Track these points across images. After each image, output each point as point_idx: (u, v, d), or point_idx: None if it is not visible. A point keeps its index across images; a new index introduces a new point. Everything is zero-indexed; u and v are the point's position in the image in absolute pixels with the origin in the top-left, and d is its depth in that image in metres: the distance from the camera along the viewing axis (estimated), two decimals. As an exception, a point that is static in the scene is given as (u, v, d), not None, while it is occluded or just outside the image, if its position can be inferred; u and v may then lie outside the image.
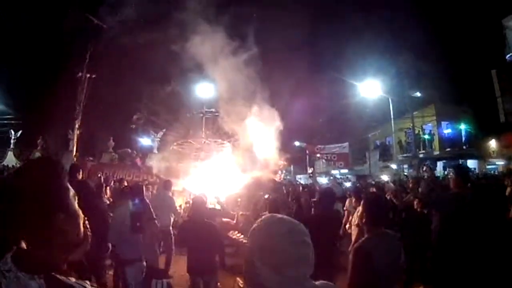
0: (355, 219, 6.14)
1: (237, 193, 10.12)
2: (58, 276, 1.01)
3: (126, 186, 8.23)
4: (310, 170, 25.23)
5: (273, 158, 13.27)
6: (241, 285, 6.53)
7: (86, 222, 1.36)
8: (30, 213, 1.02)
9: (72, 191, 1.15)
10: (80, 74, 17.96)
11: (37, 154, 24.12)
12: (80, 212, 1.17)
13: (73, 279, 1.04)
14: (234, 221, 8.74)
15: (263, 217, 1.38)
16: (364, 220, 3.25)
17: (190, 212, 5.69)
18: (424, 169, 20.39)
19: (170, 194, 8.39)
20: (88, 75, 18.08)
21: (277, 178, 13.09)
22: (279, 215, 1.37)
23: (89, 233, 1.38)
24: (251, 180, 10.89)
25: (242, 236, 6.73)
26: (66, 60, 20.85)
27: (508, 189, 8.14)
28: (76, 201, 1.16)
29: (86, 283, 1.07)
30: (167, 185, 8.41)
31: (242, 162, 12.34)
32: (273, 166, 13.04)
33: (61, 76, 22.15)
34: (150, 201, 7.86)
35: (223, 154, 12.48)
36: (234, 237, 7.04)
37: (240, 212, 8.41)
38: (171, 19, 12.75)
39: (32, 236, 1.03)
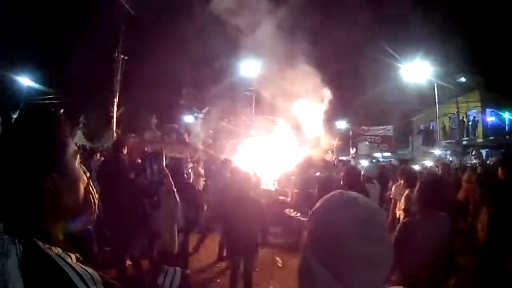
0: (402, 203, 5.57)
1: (290, 171, 10.04)
2: (39, 243, 0.84)
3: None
4: (353, 151, 24.82)
5: (323, 137, 13.12)
6: (280, 265, 6.49)
7: (92, 187, 1.22)
8: (16, 170, 0.87)
9: (72, 149, 0.98)
10: (116, 54, 18.17)
11: (79, 133, 24.84)
12: (82, 175, 1.01)
13: (58, 250, 0.86)
14: (289, 199, 8.73)
15: (329, 195, 0.95)
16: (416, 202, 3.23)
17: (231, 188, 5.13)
18: (474, 153, 19.81)
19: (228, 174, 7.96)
20: (123, 57, 18.20)
21: (328, 158, 12.93)
22: (353, 194, 0.93)
23: (95, 200, 1.24)
24: (303, 159, 10.78)
25: (298, 214, 6.65)
26: (105, 40, 21.16)
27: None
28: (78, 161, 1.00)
29: (70, 256, 0.87)
30: (226, 164, 7.99)
31: (293, 141, 12.21)
32: (324, 145, 12.88)
33: (101, 55, 22.54)
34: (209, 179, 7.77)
35: (275, 131, 12.36)
36: (291, 214, 6.97)
37: (295, 190, 8.35)
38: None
39: (19, 197, 0.87)
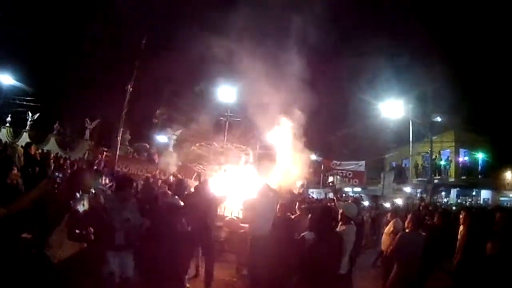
0: (388, 229, 7.29)
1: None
2: None
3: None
4: (331, 180, 24.79)
5: (293, 168, 13.11)
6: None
7: None
8: None
9: None
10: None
11: (52, 139, 24.28)
12: None
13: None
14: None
15: None
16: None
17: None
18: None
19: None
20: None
21: (295, 191, 12.90)
22: None
23: None
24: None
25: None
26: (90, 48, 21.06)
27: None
28: None
29: None
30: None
31: (262, 170, 12.17)
32: (294, 176, 12.88)
33: (84, 66, 22.37)
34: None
35: (244, 160, 12.31)
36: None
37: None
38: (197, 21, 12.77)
39: None
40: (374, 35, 21.79)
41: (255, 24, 12.97)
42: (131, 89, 13.87)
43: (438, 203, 20.57)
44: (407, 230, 6.25)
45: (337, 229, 5.55)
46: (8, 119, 26.11)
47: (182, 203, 4.79)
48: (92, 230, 2.76)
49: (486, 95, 23.88)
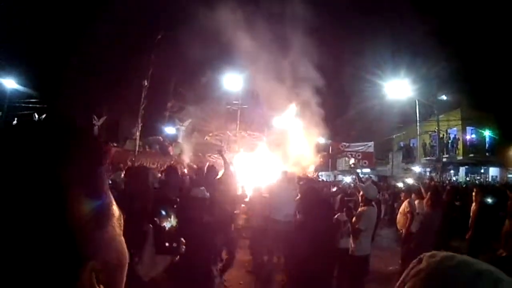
0: (403, 209, 7.23)
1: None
2: None
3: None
4: (351, 162, 24.62)
5: (305, 153, 13.21)
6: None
7: None
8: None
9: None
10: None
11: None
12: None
13: None
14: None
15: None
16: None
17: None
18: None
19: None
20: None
21: (309, 175, 13.01)
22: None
23: None
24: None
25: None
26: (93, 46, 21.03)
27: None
28: None
29: None
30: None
31: (275, 157, 12.26)
32: (306, 161, 12.97)
33: (88, 62, 22.38)
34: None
35: (257, 147, 12.39)
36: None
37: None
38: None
39: None
40: (377, 15, 21.69)
41: (262, 7, 12.96)
42: (147, 84, 13.85)
43: (447, 181, 20.63)
44: (425, 209, 6.56)
45: (359, 210, 5.70)
46: (15, 122, 26.21)
47: (207, 194, 4.51)
48: (183, 241, 2.47)
49: (491, 72, 23.69)
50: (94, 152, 0.55)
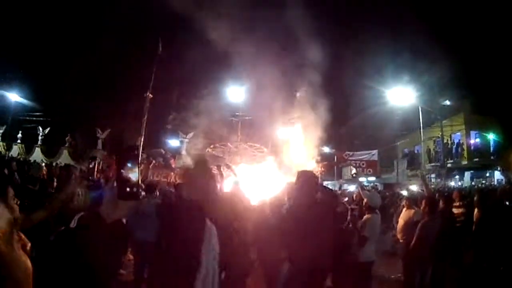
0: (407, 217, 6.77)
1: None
2: None
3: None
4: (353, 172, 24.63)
5: (308, 162, 13.16)
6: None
7: None
8: None
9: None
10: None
11: (65, 152, 24.58)
12: None
13: None
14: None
15: None
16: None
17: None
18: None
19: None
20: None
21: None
22: None
23: None
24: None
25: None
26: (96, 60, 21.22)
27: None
28: None
29: None
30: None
31: (278, 168, 12.23)
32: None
33: (91, 75, 22.58)
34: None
35: (259, 159, 12.39)
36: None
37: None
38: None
39: None
40: (379, 23, 21.75)
41: (263, 13, 12.98)
42: (150, 96, 13.98)
43: (450, 187, 20.44)
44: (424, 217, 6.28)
45: (363, 218, 5.69)
46: (19, 135, 26.49)
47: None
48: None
49: (493, 75, 23.65)
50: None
